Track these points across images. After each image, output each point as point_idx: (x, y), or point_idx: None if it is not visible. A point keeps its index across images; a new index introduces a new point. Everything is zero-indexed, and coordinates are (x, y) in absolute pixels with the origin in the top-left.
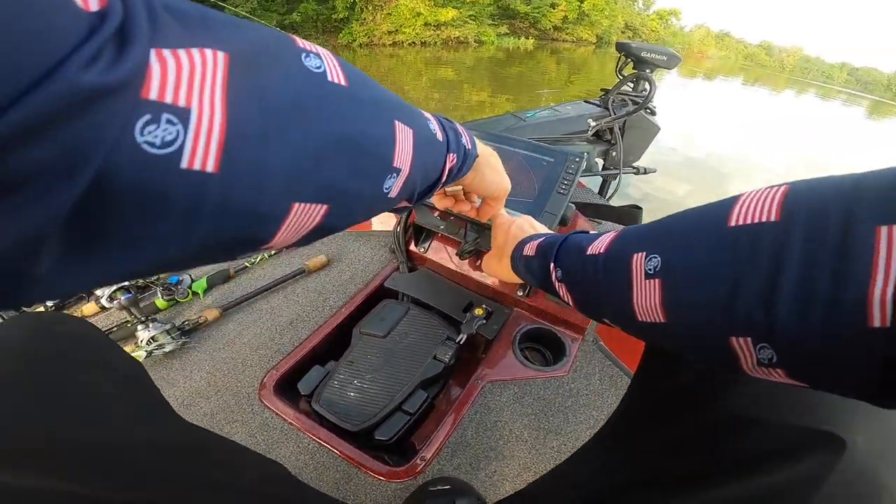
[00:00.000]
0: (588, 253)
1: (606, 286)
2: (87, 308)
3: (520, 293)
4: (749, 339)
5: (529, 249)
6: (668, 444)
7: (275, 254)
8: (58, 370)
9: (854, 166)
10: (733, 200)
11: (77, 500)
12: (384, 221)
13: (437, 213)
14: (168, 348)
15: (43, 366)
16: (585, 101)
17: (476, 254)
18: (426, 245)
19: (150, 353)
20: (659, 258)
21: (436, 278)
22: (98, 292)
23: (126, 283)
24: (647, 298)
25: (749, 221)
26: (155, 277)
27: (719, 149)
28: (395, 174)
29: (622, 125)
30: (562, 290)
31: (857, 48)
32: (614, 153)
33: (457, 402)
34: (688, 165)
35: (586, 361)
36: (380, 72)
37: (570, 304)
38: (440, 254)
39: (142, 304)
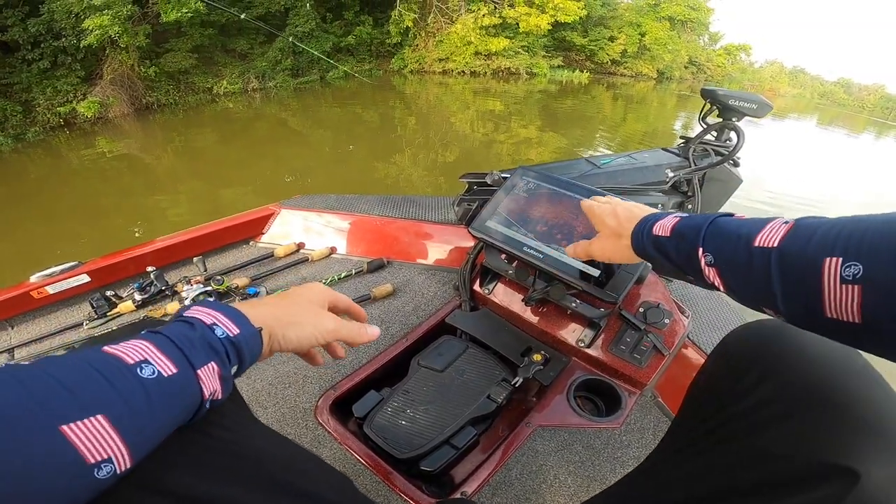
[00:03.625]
0: (756, 245)
1: (783, 282)
2: (171, 307)
3: (581, 344)
4: None
5: (661, 230)
6: (695, 475)
7: (344, 276)
8: None
9: None
10: None
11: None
12: (451, 257)
13: (504, 257)
14: None
15: None
16: (664, 150)
17: (542, 302)
18: (491, 287)
19: None
20: (861, 266)
21: (497, 320)
22: (183, 293)
23: (209, 289)
24: (843, 301)
25: None
26: (235, 286)
27: (786, 194)
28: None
29: (702, 177)
30: (711, 273)
31: None
32: (690, 206)
33: (504, 443)
34: (750, 212)
35: (641, 416)
36: (429, 100)
37: (720, 288)
38: (504, 297)
39: None
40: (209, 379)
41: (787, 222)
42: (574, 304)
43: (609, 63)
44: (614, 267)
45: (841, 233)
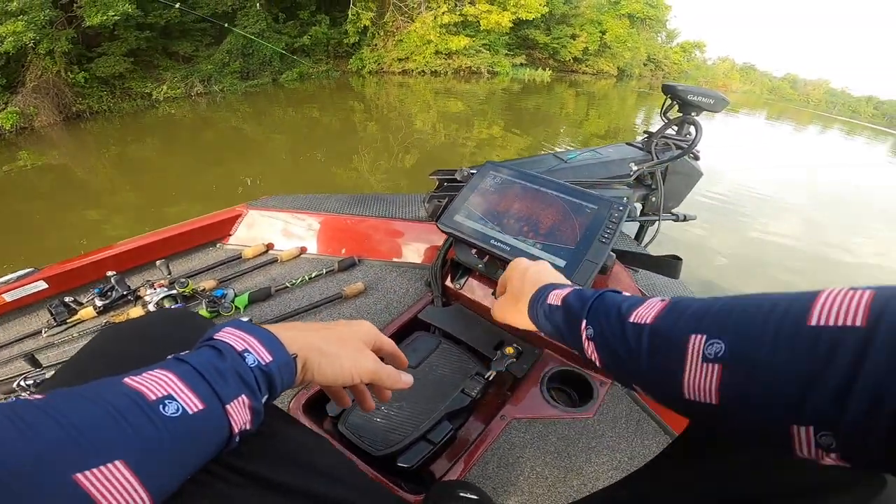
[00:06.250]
0: (631, 321)
1: (651, 359)
2: (133, 311)
3: None
4: (811, 427)
5: (554, 299)
6: (718, 477)
7: (315, 276)
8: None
9: (879, 204)
10: (813, 297)
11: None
12: (422, 254)
13: (475, 252)
14: None
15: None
16: (628, 144)
17: None
18: (462, 282)
19: None
20: (723, 345)
21: (469, 314)
22: (146, 297)
23: (173, 292)
24: (702, 381)
25: (832, 323)
26: (201, 289)
27: (740, 188)
28: None
29: (664, 170)
30: (590, 348)
31: (885, 80)
32: (654, 199)
33: (480, 436)
34: (707, 206)
35: (614, 405)
36: (389, 101)
37: (597, 363)
38: (475, 291)
39: None
40: (239, 413)
41: (663, 300)
42: None
43: (571, 61)
44: (580, 257)
45: (710, 310)
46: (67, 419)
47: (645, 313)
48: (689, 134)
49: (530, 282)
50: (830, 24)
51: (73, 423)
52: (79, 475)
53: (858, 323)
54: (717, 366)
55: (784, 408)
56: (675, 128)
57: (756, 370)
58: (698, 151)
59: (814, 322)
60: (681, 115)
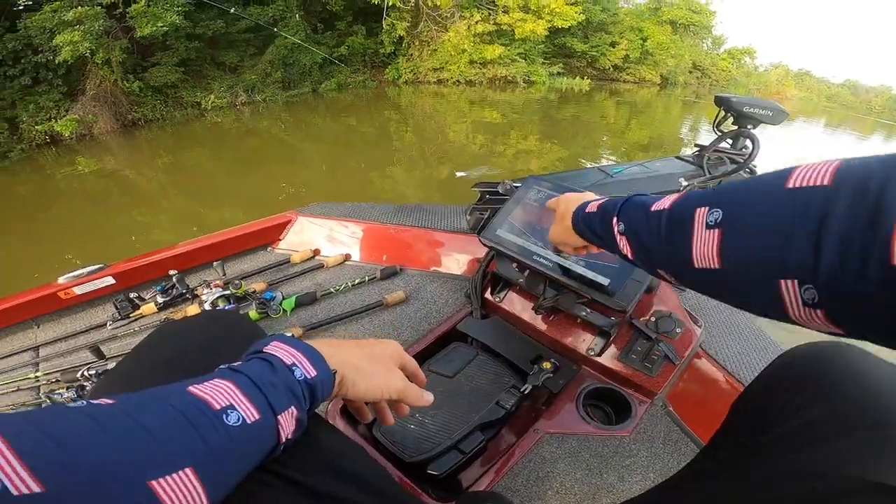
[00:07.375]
0: (653, 209)
1: (668, 237)
2: (191, 309)
3: (591, 352)
4: (795, 280)
5: (592, 207)
6: (732, 489)
7: (358, 283)
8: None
9: None
10: (790, 170)
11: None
12: (463, 266)
13: (516, 266)
14: None
15: (229, 345)
16: (678, 158)
17: (553, 311)
18: (502, 295)
19: None
20: (720, 211)
21: (507, 328)
22: (203, 297)
23: (227, 293)
24: (706, 246)
25: (804, 185)
26: (252, 290)
27: None
28: None
29: (716, 186)
30: (622, 242)
31: None
32: None
33: (512, 449)
34: None
35: (652, 425)
36: (424, 111)
37: (628, 255)
38: (515, 305)
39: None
40: (287, 423)
41: (680, 192)
42: (584, 313)
43: (611, 69)
44: (625, 276)
45: (711, 190)
46: (144, 426)
47: (663, 202)
48: (745, 148)
49: (574, 202)
50: (892, 29)
51: (150, 429)
52: (153, 482)
53: (826, 182)
54: (717, 230)
55: (770, 262)
56: (730, 141)
57: (747, 230)
58: (755, 167)
59: (790, 185)
60: (735, 127)
